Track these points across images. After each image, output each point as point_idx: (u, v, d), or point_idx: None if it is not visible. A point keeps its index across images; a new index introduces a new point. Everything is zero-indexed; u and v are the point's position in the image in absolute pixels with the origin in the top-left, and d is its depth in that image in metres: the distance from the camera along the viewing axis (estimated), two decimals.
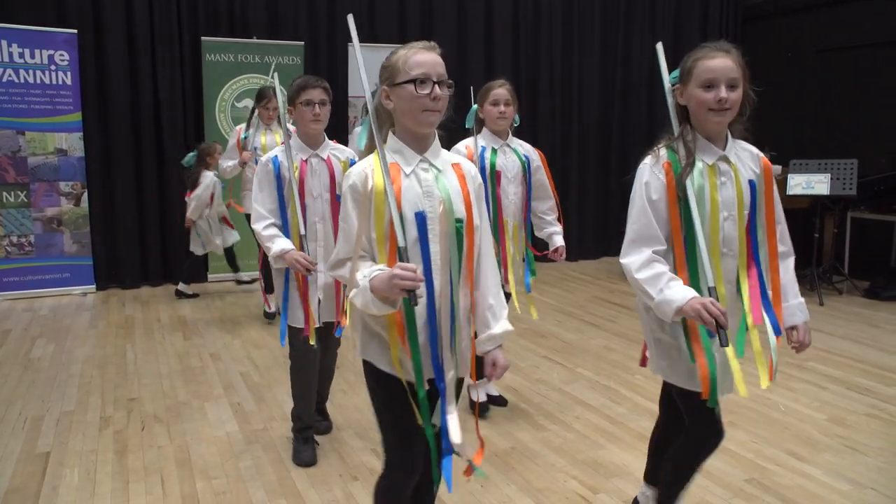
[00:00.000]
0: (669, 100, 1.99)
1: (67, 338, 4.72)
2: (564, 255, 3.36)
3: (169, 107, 6.12)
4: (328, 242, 2.77)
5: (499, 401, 3.54)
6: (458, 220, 1.71)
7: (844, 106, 6.83)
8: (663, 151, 1.93)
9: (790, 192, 5.78)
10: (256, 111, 4.75)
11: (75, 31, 5.77)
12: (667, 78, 2.00)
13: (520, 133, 3.40)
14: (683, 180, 1.86)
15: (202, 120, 6.24)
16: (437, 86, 1.67)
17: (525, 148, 3.28)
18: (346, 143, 4.83)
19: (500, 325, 1.83)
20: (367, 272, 1.65)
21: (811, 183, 5.89)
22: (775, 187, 2.02)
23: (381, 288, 1.60)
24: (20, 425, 3.31)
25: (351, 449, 3.05)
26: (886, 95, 6.48)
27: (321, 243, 2.78)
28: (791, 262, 2.04)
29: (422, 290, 1.64)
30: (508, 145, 3.22)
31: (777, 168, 6.20)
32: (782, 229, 2.03)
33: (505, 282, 3.20)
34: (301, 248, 2.69)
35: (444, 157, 1.79)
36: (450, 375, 1.76)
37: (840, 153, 6.04)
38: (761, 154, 2.03)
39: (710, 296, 1.81)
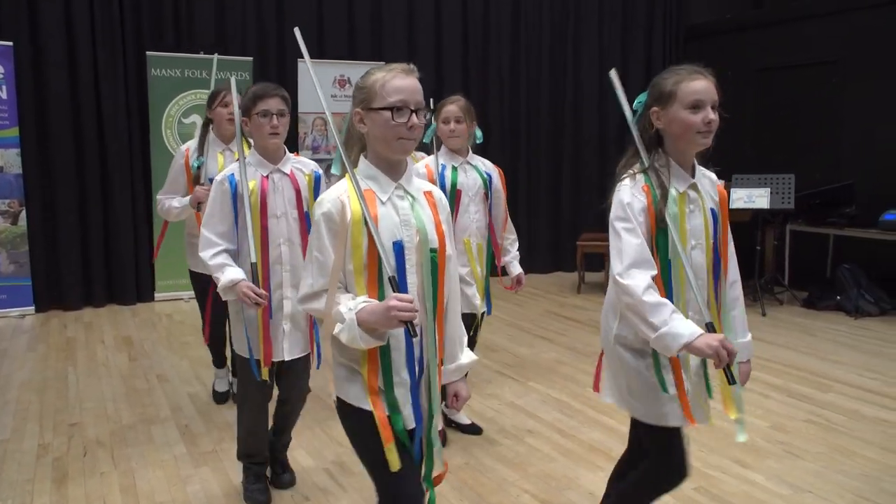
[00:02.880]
0: (634, 127, 1.93)
1: (3, 362, 4.52)
2: (524, 284, 3.31)
3: (112, 122, 5.96)
4: (295, 266, 2.54)
5: (472, 429, 3.41)
6: (433, 250, 1.67)
7: (781, 123, 7.11)
8: (640, 176, 1.88)
9: (733, 205, 5.97)
10: (211, 124, 3.49)
11: (10, 43, 5.59)
12: (627, 106, 1.94)
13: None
14: (662, 210, 1.82)
15: (148, 136, 6.10)
16: (414, 114, 1.62)
17: (486, 165, 3.23)
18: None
19: (467, 354, 1.81)
20: (352, 305, 1.57)
21: (752, 197, 6.11)
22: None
23: (372, 321, 1.53)
24: None
25: (302, 469, 3.00)
26: (819, 113, 6.77)
27: (287, 267, 2.54)
28: (742, 299, 2.03)
29: (419, 321, 1.58)
30: (469, 162, 3.16)
31: (720, 182, 6.41)
32: (734, 266, 2.01)
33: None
34: (254, 278, 2.46)
35: (417, 185, 1.74)
36: (427, 409, 1.72)
37: (778, 168, 6.28)
38: (718, 181, 2.03)
39: (709, 331, 1.76)
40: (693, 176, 1.92)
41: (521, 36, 7.60)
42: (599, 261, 7.02)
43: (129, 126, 6.07)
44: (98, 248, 6.03)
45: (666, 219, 1.82)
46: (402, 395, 1.67)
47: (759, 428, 3.49)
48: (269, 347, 2.54)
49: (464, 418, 3.46)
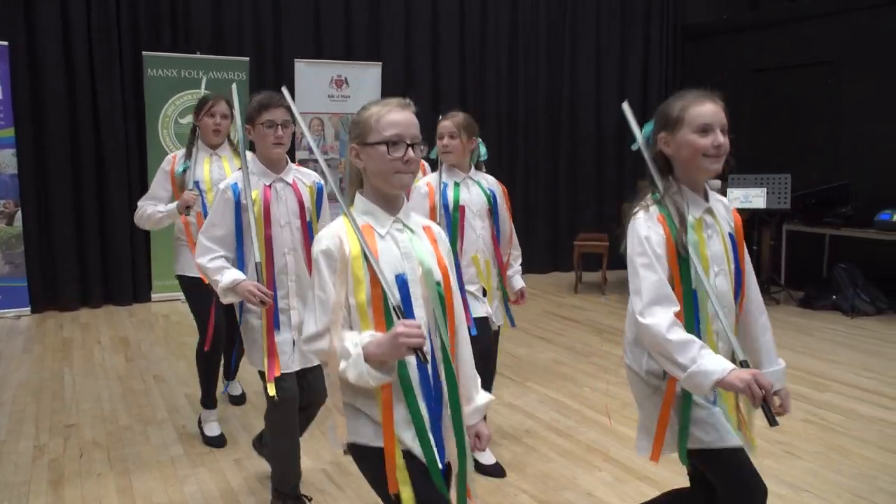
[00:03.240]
0: (647, 154, 1.88)
1: None
2: (526, 298, 3.26)
3: (109, 123, 5.95)
4: (300, 275, 2.52)
5: (495, 470, 3.05)
6: (438, 283, 1.65)
7: (777, 123, 7.13)
8: (653, 207, 1.81)
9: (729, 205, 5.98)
10: (198, 130, 3.41)
11: (6, 43, 5.57)
12: (639, 134, 1.90)
13: None
14: (682, 238, 1.76)
15: (144, 136, 6.09)
16: (410, 148, 1.59)
17: (489, 181, 3.17)
18: (292, 159, 4.58)
19: (482, 395, 1.77)
20: (357, 339, 1.53)
21: (749, 197, 6.12)
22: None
23: (380, 353, 1.50)
24: None
25: (301, 469, 2.99)
26: (814, 113, 6.79)
27: (292, 276, 2.51)
28: (769, 326, 1.96)
29: (428, 348, 1.55)
30: (471, 178, 3.09)
31: (717, 182, 6.43)
32: (757, 292, 1.95)
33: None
34: (258, 278, 2.39)
35: (415, 219, 1.72)
36: (449, 450, 1.66)
37: (774, 168, 6.30)
38: (731, 206, 1.97)
39: (744, 367, 1.68)
40: (707, 200, 1.87)
41: (518, 35, 7.60)
42: (596, 261, 7.03)
43: (125, 126, 6.05)
44: (94, 248, 6.02)
45: (687, 247, 1.75)
46: (429, 433, 1.62)
47: (756, 428, 3.47)
48: (275, 359, 2.46)
49: (488, 457, 3.12)
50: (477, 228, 3.07)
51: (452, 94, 7.16)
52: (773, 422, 1.62)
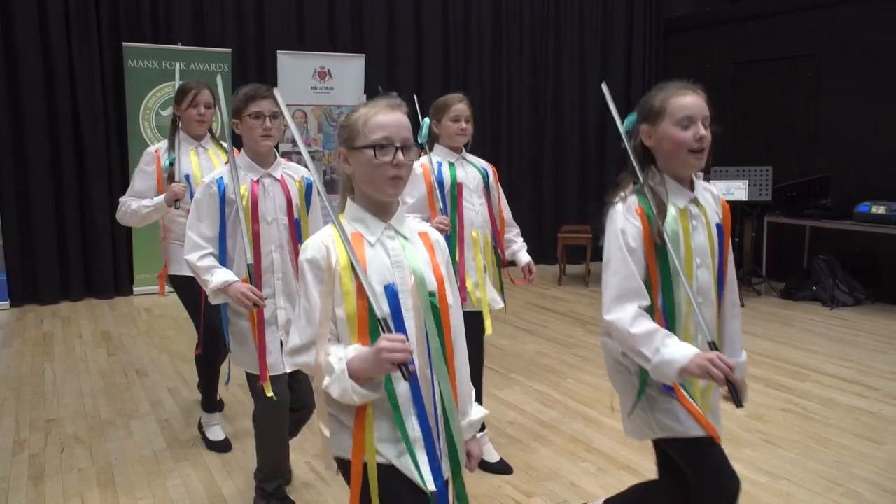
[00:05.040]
0: (628, 144, 1.86)
1: None
2: (535, 273, 3.20)
3: (89, 114, 5.87)
4: (287, 273, 2.46)
5: (501, 466, 3.05)
6: (431, 294, 1.56)
7: (758, 116, 7.19)
8: (633, 197, 1.79)
9: None
10: (179, 122, 3.24)
11: None
12: (618, 116, 1.89)
13: None
14: (660, 228, 1.74)
15: (125, 128, 6.02)
16: (399, 151, 1.51)
17: (481, 162, 3.18)
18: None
19: (476, 410, 1.71)
20: (342, 354, 1.47)
21: (731, 189, 6.17)
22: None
23: (364, 368, 1.43)
24: None
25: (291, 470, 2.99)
26: (795, 106, 6.86)
27: (279, 274, 2.44)
28: (739, 318, 1.96)
29: (414, 364, 1.49)
30: (465, 158, 3.11)
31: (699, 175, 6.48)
32: (735, 285, 1.94)
33: (463, 301, 2.96)
34: (249, 280, 2.34)
35: (410, 226, 1.64)
36: (444, 469, 1.58)
37: (755, 161, 6.35)
38: (721, 195, 1.96)
39: (712, 350, 1.67)
40: (692, 190, 1.84)
41: (502, 26, 7.59)
42: (580, 253, 7.07)
43: (105, 118, 5.98)
44: (75, 241, 5.95)
45: (665, 238, 1.74)
46: (419, 451, 1.54)
47: (737, 417, 3.53)
48: (265, 361, 2.42)
49: (493, 454, 3.13)
50: (475, 205, 3.07)
51: (435, 86, 7.14)
52: (737, 403, 1.64)
